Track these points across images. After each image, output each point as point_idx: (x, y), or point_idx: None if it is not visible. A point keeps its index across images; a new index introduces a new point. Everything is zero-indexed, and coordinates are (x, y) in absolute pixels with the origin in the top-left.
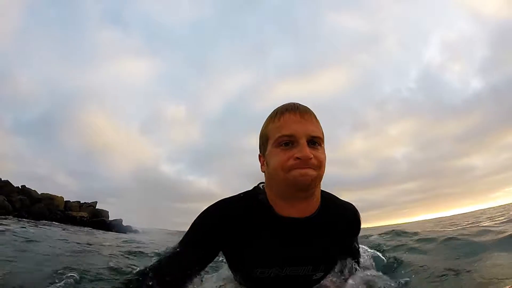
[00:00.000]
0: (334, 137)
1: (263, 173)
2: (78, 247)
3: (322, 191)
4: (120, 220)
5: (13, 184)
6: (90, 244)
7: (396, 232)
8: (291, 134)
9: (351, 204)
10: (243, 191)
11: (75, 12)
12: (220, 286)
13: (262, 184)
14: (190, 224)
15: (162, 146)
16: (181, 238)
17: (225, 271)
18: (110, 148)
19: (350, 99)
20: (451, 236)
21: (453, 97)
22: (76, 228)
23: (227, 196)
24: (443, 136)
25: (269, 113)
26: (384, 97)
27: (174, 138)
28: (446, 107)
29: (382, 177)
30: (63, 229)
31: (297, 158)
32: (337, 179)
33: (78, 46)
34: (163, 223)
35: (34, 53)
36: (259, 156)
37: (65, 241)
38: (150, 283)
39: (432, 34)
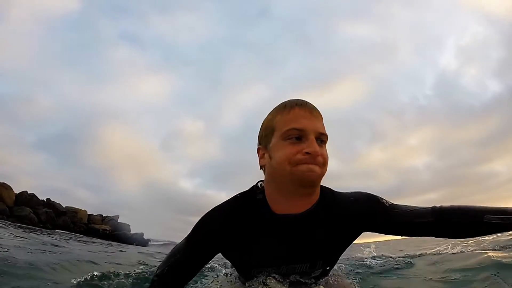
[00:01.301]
0: (353, 149)
1: (262, 168)
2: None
3: (321, 186)
4: (141, 234)
5: (38, 197)
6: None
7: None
8: (302, 129)
9: (358, 196)
10: (239, 192)
11: (93, 33)
12: (220, 285)
13: (260, 183)
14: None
15: (182, 161)
16: (177, 246)
17: (222, 271)
18: (130, 163)
19: (366, 109)
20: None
21: (472, 102)
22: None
23: (223, 201)
24: (463, 142)
25: (279, 105)
26: (401, 106)
27: (193, 154)
28: (465, 112)
29: (404, 188)
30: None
31: (306, 153)
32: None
33: (97, 64)
34: (183, 236)
35: (54, 73)
36: (258, 148)
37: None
38: None
39: (446, 39)
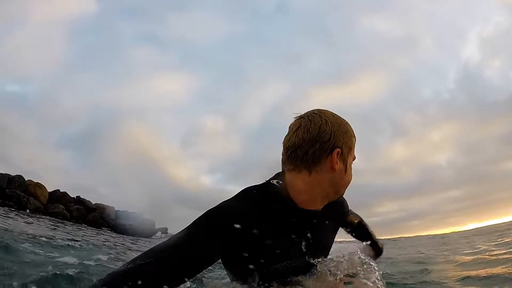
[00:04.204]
0: (374, 145)
1: (316, 166)
2: None
3: None
4: (166, 229)
5: (70, 195)
6: None
7: None
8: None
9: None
10: (248, 187)
11: (112, 34)
12: None
13: (276, 181)
14: (189, 225)
15: (202, 158)
16: (166, 242)
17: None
18: (152, 160)
19: (388, 105)
20: None
21: (496, 95)
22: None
23: (235, 195)
24: (488, 137)
25: (346, 120)
26: (423, 101)
27: (213, 150)
28: (489, 106)
29: (426, 184)
30: None
31: None
32: (379, 188)
33: (117, 64)
34: None
35: (75, 74)
36: (338, 151)
37: None
38: None
39: (468, 31)
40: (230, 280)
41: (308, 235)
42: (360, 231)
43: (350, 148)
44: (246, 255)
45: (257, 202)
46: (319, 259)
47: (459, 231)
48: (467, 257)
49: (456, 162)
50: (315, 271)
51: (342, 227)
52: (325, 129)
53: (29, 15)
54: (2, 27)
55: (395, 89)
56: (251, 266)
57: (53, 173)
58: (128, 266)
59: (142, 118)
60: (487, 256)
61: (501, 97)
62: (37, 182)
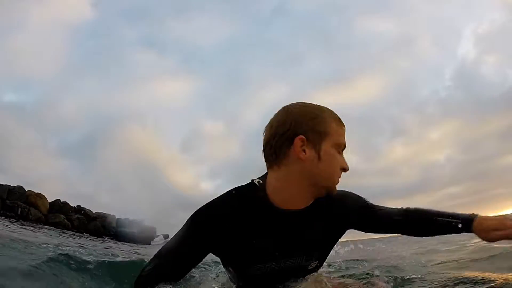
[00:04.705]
0: (374, 146)
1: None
2: None
3: None
4: (167, 235)
5: (70, 204)
6: None
7: None
8: (345, 146)
9: (347, 194)
10: (233, 188)
11: (111, 39)
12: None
13: (257, 180)
14: (180, 229)
15: (202, 163)
16: (166, 245)
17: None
18: (152, 166)
19: (387, 105)
20: None
21: (492, 91)
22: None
23: (217, 196)
24: (485, 133)
25: (324, 107)
26: (421, 100)
27: (213, 155)
28: (486, 103)
29: (426, 183)
30: None
31: (344, 169)
32: (380, 189)
33: (116, 69)
34: None
35: (75, 79)
36: (300, 138)
37: None
38: None
39: (464, 28)
40: (228, 280)
41: (291, 236)
42: (416, 222)
43: (323, 134)
44: (229, 254)
45: (238, 202)
46: (313, 262)
47: None
48: (470, 246)
49: (455, 159)
50: (311, 273)
51: (363, 229)
52: (285, 120)
53: (28, 21)
54: (1, 33)
55: (393, 88)
56: (237, 265)
57: (53, 181)
58: (142, 273)
59: (142, 123)
60: (487, 244)
61: (497, 93)
62: (38, 193)
